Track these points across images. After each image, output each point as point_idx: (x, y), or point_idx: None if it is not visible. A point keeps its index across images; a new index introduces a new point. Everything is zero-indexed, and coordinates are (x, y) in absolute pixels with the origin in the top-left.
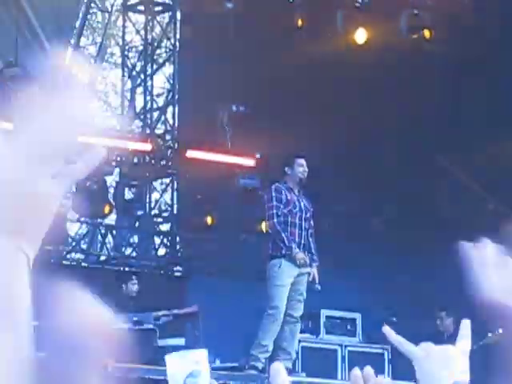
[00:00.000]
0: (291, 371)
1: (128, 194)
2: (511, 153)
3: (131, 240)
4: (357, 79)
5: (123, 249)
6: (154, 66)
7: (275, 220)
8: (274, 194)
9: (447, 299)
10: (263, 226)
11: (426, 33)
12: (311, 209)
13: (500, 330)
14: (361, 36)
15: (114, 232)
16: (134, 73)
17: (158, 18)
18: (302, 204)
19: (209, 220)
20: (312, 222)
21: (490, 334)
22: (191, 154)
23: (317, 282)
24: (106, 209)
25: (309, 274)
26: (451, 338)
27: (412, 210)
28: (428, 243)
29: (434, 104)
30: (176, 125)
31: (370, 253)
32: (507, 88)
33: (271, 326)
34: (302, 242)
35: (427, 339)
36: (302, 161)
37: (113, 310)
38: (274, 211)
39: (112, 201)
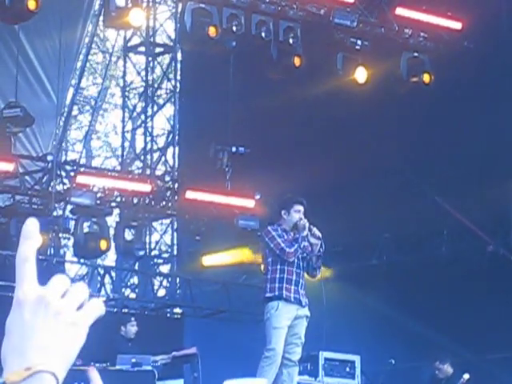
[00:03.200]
0: None
1: (128, 235)
2: (508, 195)
3: (131, 281)
4: (356, 119)
5: (123, 290)
6: (155, 107)
7: (273, 233)
8: (273, 233)
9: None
10: (262, 267)
11: (426, 77)
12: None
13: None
14: (361, 75)
15: (113, 273)
16: (134, 114)
17: (159, 59)
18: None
19: (205, 261)
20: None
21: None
22: (191, 195)
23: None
24: (103, 244)
25: (307, 317)
26: (449, 381)
27: (411, 250)
28: (428, 283)
29: (434, 145)
30: (176, 166)
31: (371, 294)
32: (504, 132)
33: (269, 368)
34: (300, 280)
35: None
36: (300, 207)
37: (111, 352)
38: (274, 233)
39: (112, 240)
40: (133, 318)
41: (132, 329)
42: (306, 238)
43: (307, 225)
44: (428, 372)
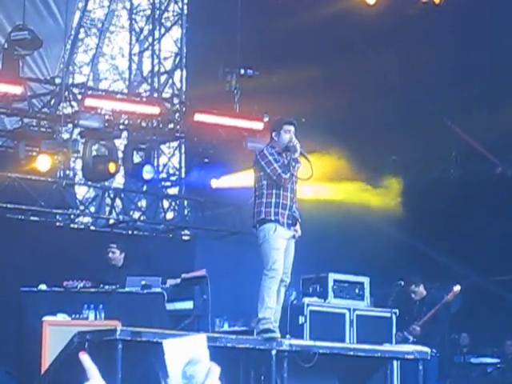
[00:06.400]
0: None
1: (136, 158)
2: None
3: (139, 204)
4: (365, 40)
5: (131, 212)
6: (162, 30)
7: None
8: (269, 157)
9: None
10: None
11: None
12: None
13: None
14: None
15: (123, 195)
16: (141, 36)
17: None
18: (290, 167)
19: (214, 183)
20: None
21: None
22: (199, 117)
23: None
24: (112, 167)
25: (294, 236)
26: (422, 302)
27: (419, 173)
28: (436, 206)
29: (443, 65)
30: (184, 88)
31: (379, 216)
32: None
33: (274, 288)
34: (292, 204)
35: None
36: (290, 127)
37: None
38: (271, 158)
39: (120, 162)
40: (114, 245)
41: (110, 256)
42: (298, 159)
43: (298, 146)
44: (402, 296)
